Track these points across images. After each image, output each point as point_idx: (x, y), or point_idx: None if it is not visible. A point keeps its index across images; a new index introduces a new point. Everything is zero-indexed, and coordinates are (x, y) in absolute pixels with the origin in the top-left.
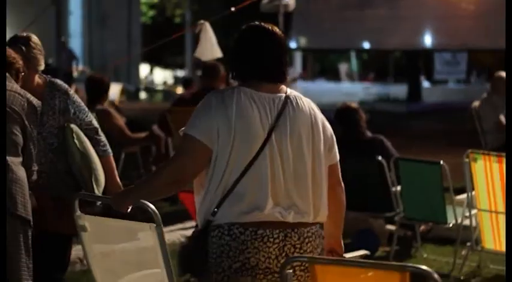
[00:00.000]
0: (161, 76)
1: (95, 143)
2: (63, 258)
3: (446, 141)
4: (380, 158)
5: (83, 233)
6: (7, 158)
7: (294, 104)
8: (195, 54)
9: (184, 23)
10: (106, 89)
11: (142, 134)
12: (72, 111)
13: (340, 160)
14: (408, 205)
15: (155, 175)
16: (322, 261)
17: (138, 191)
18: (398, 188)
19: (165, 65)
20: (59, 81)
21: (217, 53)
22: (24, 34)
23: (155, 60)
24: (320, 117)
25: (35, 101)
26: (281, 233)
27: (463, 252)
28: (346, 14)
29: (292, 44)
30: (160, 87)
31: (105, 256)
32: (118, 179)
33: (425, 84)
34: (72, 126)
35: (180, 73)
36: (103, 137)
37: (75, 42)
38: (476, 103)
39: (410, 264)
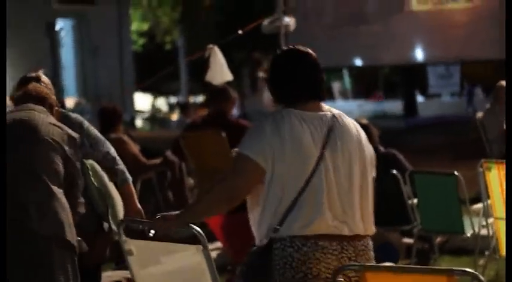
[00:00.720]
0: (155, 104)
1: (114, 173)
2: None
3: (450, 153)
4: (395, 171)
5: (129, 257)
6: (52, 186)
7: (340, 121)
8: (206, 79)
9: (176, 49)
10: (119, 118)
11: (157, 160)
12: (88, 144)
13: None
14: (425, 217)
15: (208, 195)
16: (373, 269)
17: (191, 211)
18: (415, 200)
19: (159, 92)
20: (73, 115)
21: (227, 76)
22: (33, 74)
23: (148, 88)
24: (363, 134)
25: (74, 133)
26: (338, 246)
27: (481, 262)
28: (338, 31)
29: None
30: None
31: (153, 279)
32: (138, 205)
33: (419, 98)
34: (88, 163)
35: (174, 99)
36: (121, 166)
37: (69, 74)
38: (480, 114)
39: (457, 268)
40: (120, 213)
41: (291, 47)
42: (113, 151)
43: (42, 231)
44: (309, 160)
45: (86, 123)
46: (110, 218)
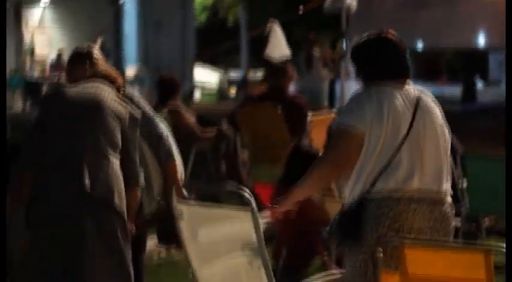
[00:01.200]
0: (215, 77)
1: (157, 150)
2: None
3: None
4: None
5: (180, 221)
6: (108, 153)
7: (424, 97)
8: (265, 54)
9: (238, 26)
10: (177, 88)
11: (212, 132)
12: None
13: None
14: (473, 199)
15: (317, 164)
16: (412, 243)
17: (301, 187)
18: (465, 183)
19: (219, 67)
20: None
21: (286, 52)
22: (85, 50)
23: (209, 61)
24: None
25: (136, 113)
26: (428, 208)
27: None
28: (401, 14)
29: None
30: (214, 88)
31: (201, 241)
32: (180, 186)
33: (479, 84)
34: None
35: (234, 74)
36: (167, 144)
37: (131, 44)
38: None
39: (495, 245)
40: (155, 189)
41: (382, 31)
42: (160, 128)
43: (92, 192)
44: (402, 125)
45: (142, 102)
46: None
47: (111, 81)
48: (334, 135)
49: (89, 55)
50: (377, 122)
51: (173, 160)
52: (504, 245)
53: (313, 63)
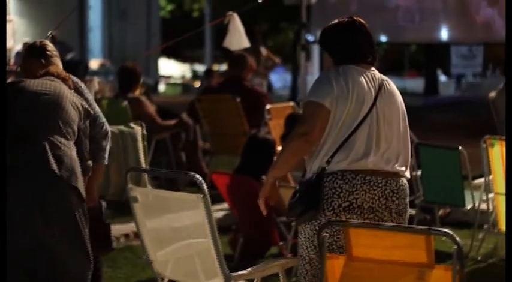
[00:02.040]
0: (179, 70)
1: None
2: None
3: (464, 131)
4: None
5: (134, 204)
6: (69, 139)
7: (387, 81)
8: (224, 44)
9: (202, 18)
10: (138, 78)
11: (172, 121)
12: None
13: None
14: (428, 189)
15: (288, 142)
16: (356, 226)
17: (277, 164)
18: (419, 172)
19: (183, 59)
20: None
21: (245, 43)
22: (38, 43)
23: (173, 54)
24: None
25: (90, 108)
26: (383, 180)
27: (480, 235)
28: (361, 6)
29: (310, 38)
30: (178, 81)
31: (155, 226)
32: (95, 193)
33: (442, 78)
34: None
35: (198, 67)
36: (103, 144)
37: (95, 36)
38: (493, 94)
39: (434, 228)
40: None
41: (351, 18)
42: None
43: (60, 174)
44: (364, 105)
45: (90, 98)
46: None
47: (63, 79)
48: (304, 110)
49: (42, 50)
50: (342, 100)
51: (102, 163)
52: (447, 230)
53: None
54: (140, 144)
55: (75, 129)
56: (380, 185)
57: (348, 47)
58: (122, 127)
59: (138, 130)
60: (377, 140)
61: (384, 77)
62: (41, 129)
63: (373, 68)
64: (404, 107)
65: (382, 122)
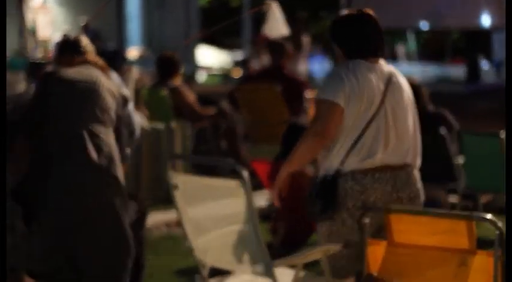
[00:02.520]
0: (218, 59)
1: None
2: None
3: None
4: (443, 131)
5: (175, 192)
6: (108, 127)
7: (396, 74)
8: (263, 31)
9: (241, 7)
10: (177, 67)
11: (212, 110)
12: None
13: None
14: (470, 176)
15: (304, 137)
16: (396, 211)
17: (290, 161)
18: (461, 159)
19: (222, 47)
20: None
21: (284, 30)
22: (72, 38)
23: (212, 43)
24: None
25: (127, 95)
26: (392, 174)
27: None
28: None
29: None
30: (218, 72)
31: (196, 213)
32: None
33: (484, 65)
34: None
35: (237, 56)
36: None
37: (134, 25)
38: None
39: (475, 213)
40: None
41: (360, 10)
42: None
43: (99, 162)
44: (374, 103)
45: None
46: None
47: (100, 68)
48: (319, 108)
49: (76, 44)
50: (354, 99)
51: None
52: (488, 215)
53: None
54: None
55: (113, 117)
56: (390, 180)
57: (357, 40)
58: (158, 126)
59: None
60: (386, 137)
61: (392, 70)
62: (79, 118)
63: (381, 61)
64: (412, 98)
65: (391, 118)
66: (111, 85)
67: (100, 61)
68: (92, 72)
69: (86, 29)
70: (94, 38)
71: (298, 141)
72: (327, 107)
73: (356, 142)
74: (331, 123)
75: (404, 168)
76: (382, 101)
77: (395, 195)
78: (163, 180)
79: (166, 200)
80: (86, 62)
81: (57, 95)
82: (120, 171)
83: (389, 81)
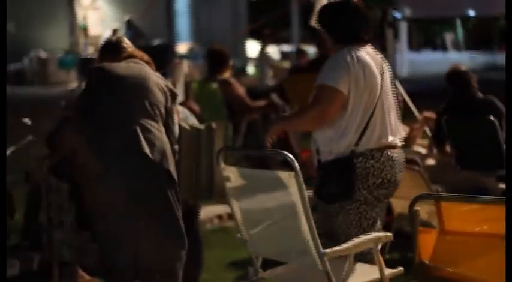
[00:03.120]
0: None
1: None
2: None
3: None
4: (492, 117)
5: (226, 184)
6: (159, 123)
7: (383, 59)
8: (310, 23)
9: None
10: (226, 60)
11: (262, 102)
12: None
13: (453, 120)
14: None
15: (301, 114)
16: (448, 198)
17: (285, 120)
18: None
19: (272, 40)
20: None
21: None
22: (114, 39)
23: (261, 36)
24: None
25: (175, 90)
26: (397, 153)
27: None
28: None
29: (398, 15)
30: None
31: (248, 205)
32: None
33: None
34: None
35: (286, 48)
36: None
37: (183, 20)
38: None
39: None
40: None
41: None
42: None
43: (153, 157)
44: (376, 87)
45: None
46: None
47: (146, 62)
48: (320, 92)
49: (118, 45)
50: (361, 85)
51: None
52: None
53: None
54: (215, 147)
55: (163, 112)
56: (397, 159)
57: (347, 26)
58: (198, 125)
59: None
60: (389, 119)
61: (380, 56)
62: (131, 113)
63: (369, 47)
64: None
65: (387, 100)
66: (160, 79)
67: (145, 56)
68: (141, 66)
69: (129, 26)
70: (137, 35)
71: (299, 112)
72: (328, 93)
73: (367, 124)
74: (330, 109)
75: (401, 149)
76: (382, 85)
77: (400, 175)
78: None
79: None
80: (132, 56)
81: (108, 89)
82: (172, 165)
83: (382, 65)
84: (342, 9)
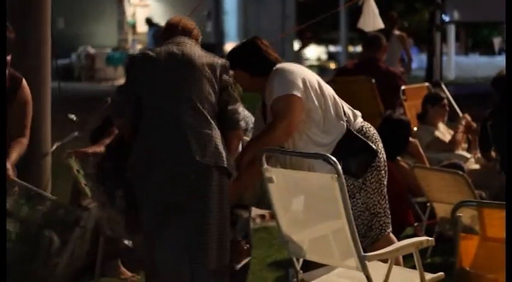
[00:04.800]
0: (315, 52)
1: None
2: None
3: None
4: None
5: (269, 185)
6: (208, 116)
7: None
8: (358, 25)
9: (337, 1)
10: None
11: None
12: None
13: (498, 125)
14: None
15: (270, 131)
16: (491, 205)
17: (255, 143)
18: None
19: (319, 41)
20: None
21: (379, 24)
22: (176, 19)
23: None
24: None
25: (223, 60)
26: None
27: None
28: None
29: (446, 18)
30: (314, 63)
31: (290, 206)
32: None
33: None
34: None
35: (333, 49)
36: (236, 114)
37: (231, 19)
38: None
39: None
40: None
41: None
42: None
43: (204, 161)
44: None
45: None
46: None
47: (188, 32)
48: (284, 104)
49: (179, 24)
50: (310, 88)
51: (236, 129)
52: None
53: (390, 41)
54: None
55: (214, 102)
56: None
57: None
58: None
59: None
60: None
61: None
62: (176, 104)
63: None
64: None
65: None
66: (205, 57)
67: (188, 24)
68: (184, 46)
69: (149, 25)
70: (159, 33)
71: (268, 129)
72: (292, 102)
73: (343, 108)
74: (298, 116)
75: None
76: (319, 83)
77: None
78: None
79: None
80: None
81: (148, 82)
82: (228, 160)
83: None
84: (251, 47)
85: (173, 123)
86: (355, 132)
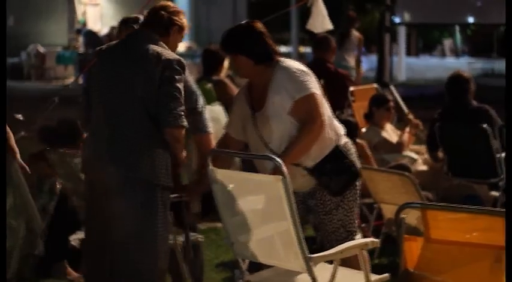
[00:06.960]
0: None
1: (193, 122)
2: None
3: None
4: (485, 125)
5: (214, 185)
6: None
7: None
8: (307, 27)
9: (289, 1)
10: (222, 60)
11: None
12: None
13: (447, 128)
14: None
15: (304, 137)
16: (434, 207)
17: (292, 154)
18: (503, 154)
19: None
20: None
21: (328, 25)
22: (133, 15)
23: None
24: None
25: (182, 59)
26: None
27: None
28: None
29: (396, 19)
30: None
31: (235, 207)
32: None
33: None
34: None
35: (284, 49)
36: (203, 117)
37: None
38: None
39: None
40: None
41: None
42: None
43: (137, 175)
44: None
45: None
46: None
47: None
48: (309, 106)
49: (136, 20)
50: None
51: (207, 133)
52: None
53: (347, 42)
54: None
55: (153, 97)
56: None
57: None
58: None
59: (220, 111)
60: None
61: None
62: (116, 101)
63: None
64: None
65: None
66: (150, 55)
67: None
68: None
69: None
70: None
71: (301, 136)
72: (320, 99)
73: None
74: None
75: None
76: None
77: None
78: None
79: None
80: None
81: (93, 87)
82: (165, 175)
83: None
84: (253, 31)
85: (110, 123)
86: (342, 150)
